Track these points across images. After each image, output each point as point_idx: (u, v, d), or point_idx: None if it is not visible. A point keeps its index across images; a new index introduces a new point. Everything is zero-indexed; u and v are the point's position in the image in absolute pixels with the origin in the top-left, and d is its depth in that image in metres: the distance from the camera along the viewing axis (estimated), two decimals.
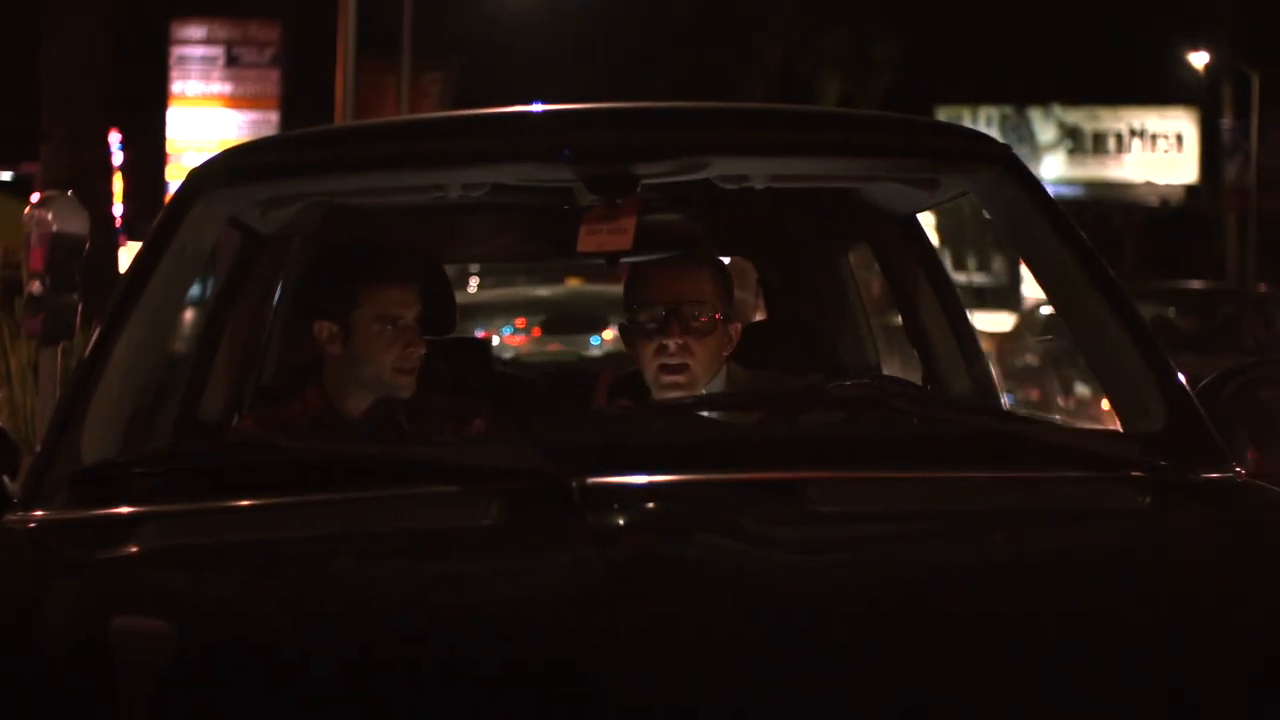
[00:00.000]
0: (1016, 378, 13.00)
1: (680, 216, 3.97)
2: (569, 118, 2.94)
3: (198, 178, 2.83)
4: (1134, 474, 2.35)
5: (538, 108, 2.90)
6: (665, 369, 3.15)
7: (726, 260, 3.79)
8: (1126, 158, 40.92)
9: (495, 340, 11.88)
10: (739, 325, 3.27)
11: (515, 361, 9.75)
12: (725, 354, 3.22)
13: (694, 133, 2.87)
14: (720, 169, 2.97)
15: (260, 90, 31.12)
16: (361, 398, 3.24)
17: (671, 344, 3.14)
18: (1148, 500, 2.31)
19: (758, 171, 3.07)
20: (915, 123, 3.14)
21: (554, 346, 12.44)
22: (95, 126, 12.57)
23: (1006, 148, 2.89)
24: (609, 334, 12.21)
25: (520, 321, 13.04)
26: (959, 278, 33.69)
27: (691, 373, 3.13)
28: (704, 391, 3.13)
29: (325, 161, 2.91)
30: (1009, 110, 40.88)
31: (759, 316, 5.25)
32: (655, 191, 3.05)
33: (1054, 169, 40.01)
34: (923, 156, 3.00)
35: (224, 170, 2.86)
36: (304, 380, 3.32)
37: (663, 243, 3.53)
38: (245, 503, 2.25)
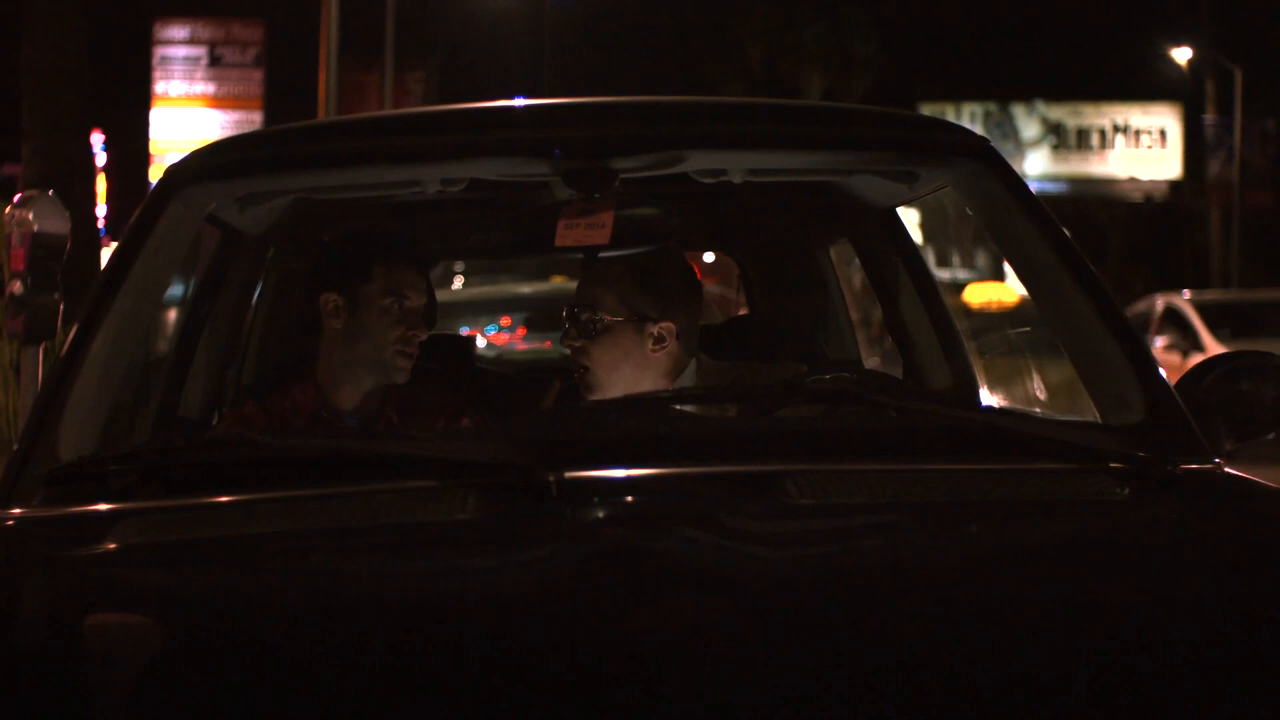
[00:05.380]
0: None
1: (658, 211, 3.96)
2: (546, 112, 2.92)
3: (174, 174, 2.81)
4: (1113, 465, 2.35)
5: (514, 102, 2.88)
6: (576, 370, 3.12)
7: (710, 256, 3.77)
8: (1110, 153, 41.04)
9: (481, 341, 11.83)
10: (670, 325, 3.05)
11: (499, 359, 9.72)
12: (653, 353, 3.04)
13: (670, 126, 2.85)
14: (697, 163, 2.96)
15: (243, 90, 31.08)
16: (356, 382, 3.20)
17: (571, 348, 3.10)
18: (1126, 491, 2.30)
19: (735, 165, 3.06)
20: (891, 115, 3.12)
21: (536, 344, 12.38)
22: (76, 126, 12.55)
23: (984, 140, 2.88)
24: None
25: (506, 321, 12.97)
26: (943, 274, 33.77)
27: (591, 374, 3.06)
28: (675, 387, 3.06)
29: (302, 157, 2.90)
30: (992, 106, 40.97)
31: (741, 311, 5.26)
32: (633, 186, 3.04)
33: (1038, 165, 40.12)
34: (900, 149, 2.99)
35: (201, 167, 2.84)
36: (291, 376, 3.30)
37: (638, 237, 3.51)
38: (222, 499, 2.24)
